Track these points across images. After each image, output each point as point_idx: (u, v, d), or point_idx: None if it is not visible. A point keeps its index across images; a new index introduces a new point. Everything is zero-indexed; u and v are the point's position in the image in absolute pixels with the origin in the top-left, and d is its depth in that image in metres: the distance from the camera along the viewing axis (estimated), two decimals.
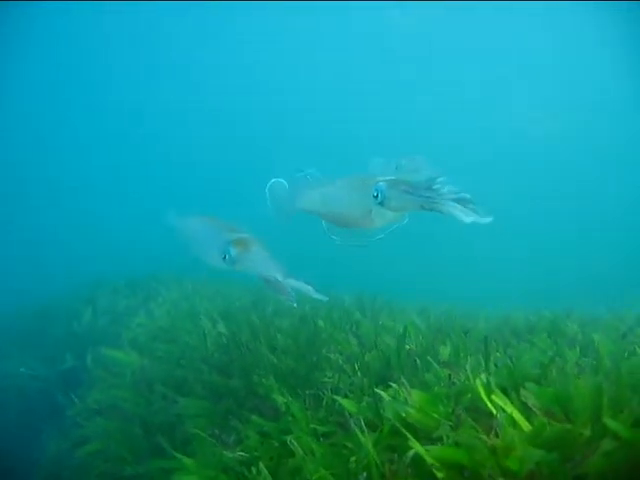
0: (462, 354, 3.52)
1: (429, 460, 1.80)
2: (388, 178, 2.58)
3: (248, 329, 4.69)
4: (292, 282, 2.66)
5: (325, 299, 2.61)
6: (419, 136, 22.40)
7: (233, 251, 2.79)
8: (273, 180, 3.85)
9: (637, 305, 5.49)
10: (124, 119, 28.35)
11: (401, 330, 4.41)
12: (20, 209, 22.85)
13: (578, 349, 3.62)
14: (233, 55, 27.56)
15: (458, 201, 2.14)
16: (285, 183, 3.92)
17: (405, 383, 2.46)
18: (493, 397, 2.08)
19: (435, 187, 2.26)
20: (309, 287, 2.64)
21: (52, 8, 20.37)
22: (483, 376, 2.27)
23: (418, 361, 3.39)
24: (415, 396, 2.32)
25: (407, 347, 3.70)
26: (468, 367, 2.60)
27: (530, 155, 23.47)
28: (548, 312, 5.43)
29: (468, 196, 2.15)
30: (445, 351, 3.63)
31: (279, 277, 2.66)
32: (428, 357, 3.49)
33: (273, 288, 2.76)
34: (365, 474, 2.04)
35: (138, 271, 9.01)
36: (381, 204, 2.60)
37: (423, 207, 2.33)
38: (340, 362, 3.61)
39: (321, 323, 4.79)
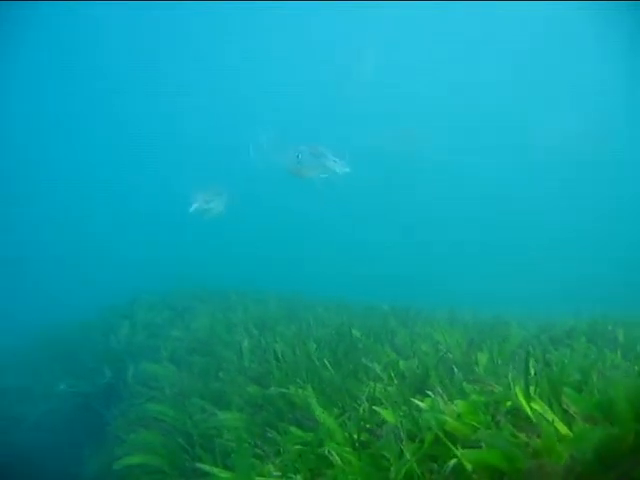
0: (500, 362, 3.48)
1: (467, 465, 1.77)
2: (306, 146, 4.35)
3: (284, 340, 4.71)
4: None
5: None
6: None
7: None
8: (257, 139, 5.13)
9: None
10: (147, 135, 28.29)
11: (437, 338, 4.40)
12: (62, 226, 23.30)
13: (619, 352, 3.55)
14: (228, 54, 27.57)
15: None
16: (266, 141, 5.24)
17: (441, 392, 2.44)
18: (532, 404, 2.05)
19: (325, 153, 4.36)
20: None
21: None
22: (522, 383, 2.23)
23: (455, 369, 3.35)
24: (455, 405, 2.29)
25: (444, 355, 3.67)
26: (509, 375, 2.57)
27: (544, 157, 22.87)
28: (586, 315, 5.34)
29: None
30: (483, 359, 3.59)
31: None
32: (466, 365, 3.46)
33: None
34: None
35: (173, 287, 9.15)
36: (300, 164, 4.42)
37: (322, 166, 4.37)
38: (377, 371, 3.59)
39: (357, 333, 4.78)
